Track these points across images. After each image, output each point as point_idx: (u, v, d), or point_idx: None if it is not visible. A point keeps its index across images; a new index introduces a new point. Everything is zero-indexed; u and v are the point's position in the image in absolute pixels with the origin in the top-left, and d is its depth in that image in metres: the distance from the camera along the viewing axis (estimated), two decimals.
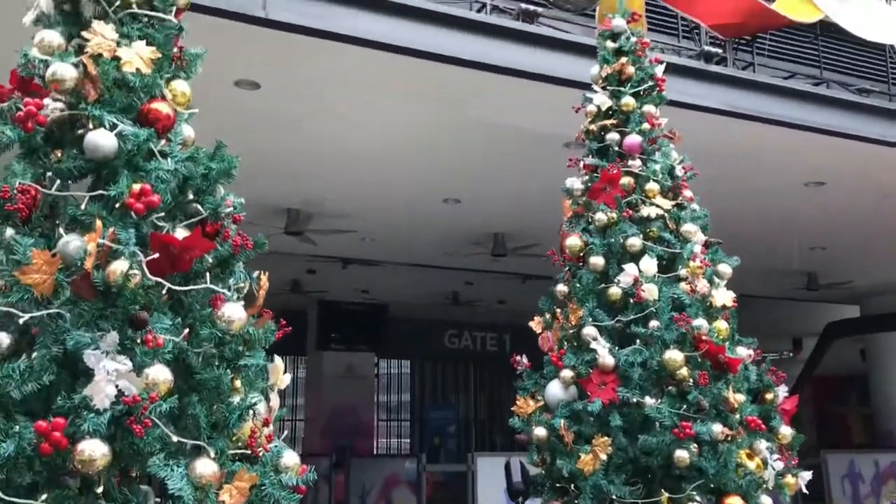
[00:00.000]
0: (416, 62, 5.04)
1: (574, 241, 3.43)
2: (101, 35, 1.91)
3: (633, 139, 3.53)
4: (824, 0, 6.35)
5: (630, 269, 3.23)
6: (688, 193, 3.56)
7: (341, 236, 9.09)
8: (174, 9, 2.08)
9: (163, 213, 1.88)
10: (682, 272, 3.28)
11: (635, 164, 3.52)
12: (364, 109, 5.78)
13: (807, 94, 6.27)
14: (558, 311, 3.44)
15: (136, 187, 1.81)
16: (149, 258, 1.77)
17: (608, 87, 3.71)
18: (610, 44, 3.82)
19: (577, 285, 3.35)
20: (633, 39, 3.80)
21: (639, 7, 5.65)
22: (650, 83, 3.72)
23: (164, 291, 1.81)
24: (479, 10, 5.44)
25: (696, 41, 6.36)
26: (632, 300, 3.21)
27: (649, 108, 3.65)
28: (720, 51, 6.06)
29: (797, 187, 7.33)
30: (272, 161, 6.69)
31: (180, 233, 1.89)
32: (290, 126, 6.01)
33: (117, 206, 1.82)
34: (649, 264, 3.23)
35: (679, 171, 3.59)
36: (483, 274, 11.67)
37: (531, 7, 5.36)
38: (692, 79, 5.87)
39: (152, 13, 2.02)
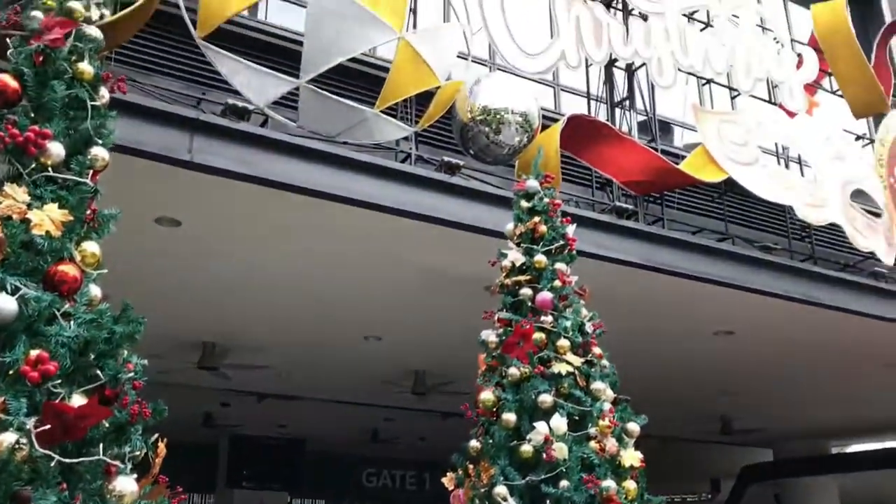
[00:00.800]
0: (342, 207, 5.14)
1: (487, 395, 3.46)
2: (13, 197, 1.91)
3: (545, 296, 3.64)
4: (728, 163, 6.81)
5: (541, 427, 3.25)
6: (597, 350, 3.65)
7: (258, 370, 8.91)
8: (91, 171, 2.11)
9: (60, 380, 1.83)
10: (592, 430, 3.32)
11: (547, 320, 3.61)
12: (287, 248, 5.82)
13: (713, 249, 6.60)
14: (471, 467, 3.42)
15: (34, 354, 1.77)
16: (40, 429, 1.71)
17: (522, 244, 3.86)
18: (524, 203, 4.00)
19: (490, 441, 3.35)
20: (546, 200, 3.99)
21: (554, 167, 5.98)
22: (562, 242, 3.88)
23: (52, 463, 1.74)
24: (403, 160, 5.63)
25: (609, 194, 6.68)
26: (543, 458, 3.21)
27: (561, 265, 3.80)
28: (631, 206, 6.37)
29: (708, 336, 7.59)
30: (190, 295, 6.62)
31: (76, 399, 1.84)
32: (209, 262, 5.99)
33: (11, 373, 1.77)
34: (560, 422, 3.26)
35: (588, 328, 3.70)
36: (403, 411, 11.51)
37: (453, 160, 5.57)
38: (607, 232, 6.13)
39: (68, 176, 2.04)
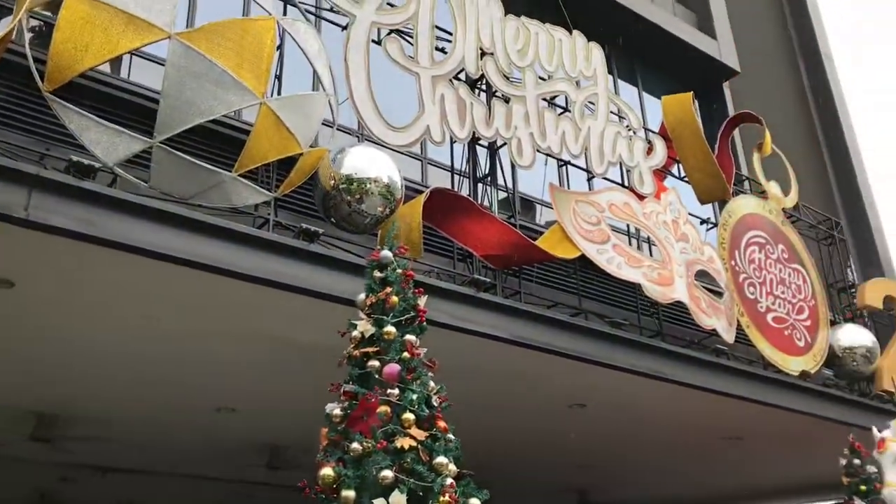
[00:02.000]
0: (193, 273, 4.96)
1: (327, 472, 3.36)
2: None
3: (392, 368, 3.61)
4: (581, 241, 7.08)
5: None
6: (442, 424, 3.63)
7: (100, 442, 8.36)
8: None
9: None
10: None
11: (393, 392, 3.57)
12: (133, 314, 5.53)
13: (567, 323, 6.77)
14: None
15: None
16: None
17: (373, 315, 3.83)
18: (377, 273, 3.99)
19: None
20: (399, 271, 3.99)
21: (416, 238, 6.05)
22: (413, 313, 3.88)
23: None
24: (261, 226, 5.52)
25: (469, 267, 6.78)
26: None
27: (410, 337, 3.78)
28: (488, 280, 6.47)
29: (562, 409, 7.74)
30: (23, 362, 6.17)
31: None
32: (46, 327, 5.61)
33: None
34: (399, 499, 3.20)
35: (435, 402, 3.68)
36: (260, 486, 11.02)
37: (311, 227, 5.51)
38: (465, 304, 6.18)
39: None
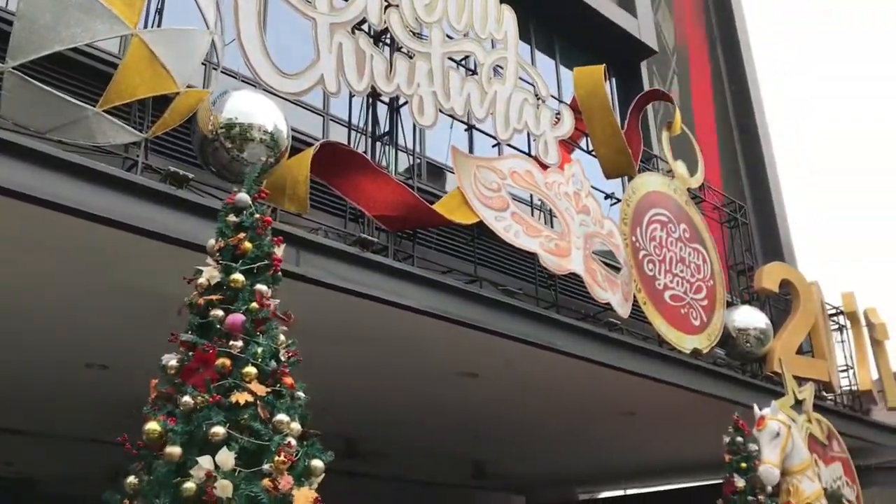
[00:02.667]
0: (49, 214, 4.54)
1: (152, 426, 3.08)
2: None
3: (235, 318, 3.33)
4: (480, 207, 6.89)
5: (204, 462, 2.91)
6: (289, 380, 3.37)
7: None
8: None
9: None
10: (267, 467, 3.02)
11: (237, 344, 3.29)
12: None
13: (460, 290, 6.56)
14: None
15: None
16: None
17: (221, 261, 3.54)
18: (231, 217, 3.69)
19: (149, 478, 2.95)
20: (256, 216, 3.70)
21: (302, 192, 5.75)
22: (267, 262, 3.60)
23: None
24: (129, 168, 5.12)
25: (362, 226, 6.50)
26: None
27: (261, 287, 3.50)
28: (376, 240, 6.22)
29: (451, 377, 7.56)
30: None
31: None
32: None
33: None
34: (226, 457, 2.93)
35: (283, 356, 3.42)
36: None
37: (181, 171, 5.14)
38: (354, 265, 5.91)
39: None
